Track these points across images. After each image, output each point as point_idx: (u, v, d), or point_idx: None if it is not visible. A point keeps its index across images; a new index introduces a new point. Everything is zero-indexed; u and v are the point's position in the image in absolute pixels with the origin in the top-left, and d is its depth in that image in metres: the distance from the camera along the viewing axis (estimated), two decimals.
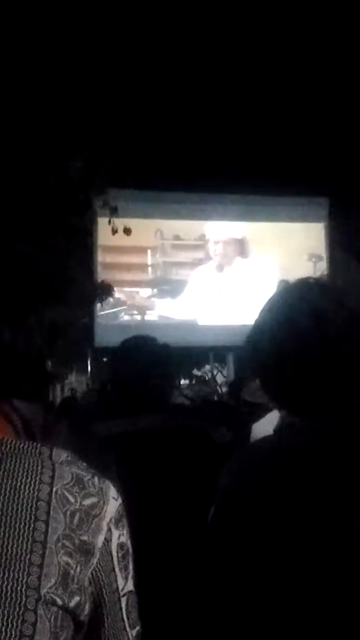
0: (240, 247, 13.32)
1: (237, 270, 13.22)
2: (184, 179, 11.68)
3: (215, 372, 19.33)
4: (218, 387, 16.20)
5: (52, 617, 0.99)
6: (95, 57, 7.95)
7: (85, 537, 1.05)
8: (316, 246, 13.68)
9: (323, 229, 13.85)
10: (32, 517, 1.02)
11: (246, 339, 1.53)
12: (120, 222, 9.06)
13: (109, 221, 8.99)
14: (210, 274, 13.17)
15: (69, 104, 7.82)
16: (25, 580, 0.99)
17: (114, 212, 8.88)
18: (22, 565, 0.99)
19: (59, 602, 1.00)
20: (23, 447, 1.10)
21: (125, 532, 1.12)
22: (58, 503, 1.05)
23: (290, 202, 13.42)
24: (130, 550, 1.13)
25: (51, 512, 1.04)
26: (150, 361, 2.55)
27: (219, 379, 18.54)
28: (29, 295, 1.18)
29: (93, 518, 1.07)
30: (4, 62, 6.97)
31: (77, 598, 1.02)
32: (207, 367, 19.73)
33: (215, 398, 11.20)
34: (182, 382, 18.03)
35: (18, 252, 1.21)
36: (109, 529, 1.08)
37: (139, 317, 13.05)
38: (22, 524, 1.02)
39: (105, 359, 14.29)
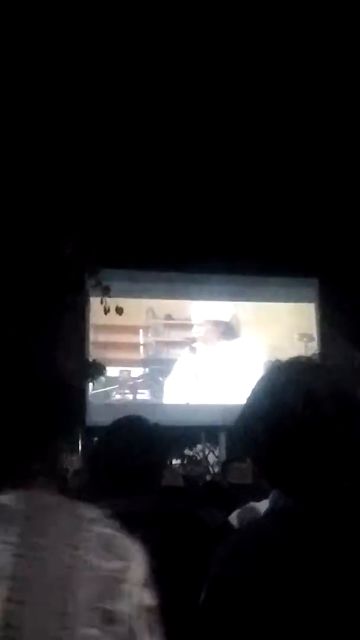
0: (225, 328, 13.37)
1: (227, 349, 13.25)
2: (175, 259, 11.83)
3: (207, 452, 19.10)
4: (210, 467, 16.01)
5: None
6: (88, 141, 8.16)
7: (109, 605, 1.02)
8: (307, 326, 13.77)
9: (314, 308, 13.95)
10: (60, 586, 1.00)
11: (237, 418, 1.52)
12: (112, 302, 9.11)
13: (101, 300, 9.03)
14: (201, 354, 13.19)
15: (63, 186, 7.96)
16: None
17: (106, 291, 8.94)
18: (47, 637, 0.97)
19: None
20: (54, 501, 1.07)
21: (150, 594, 1.09)
22: (83, 568, 1.02)
23: (281, 283, 13.56)
24: (157, 611, 1.10)
25: (75, 580, 1.01)
26: (141, 441, 2.52)
27: (211, 459, 18.31)
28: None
29: (118, 583, 1.03)
30: None
31: None
32: (199, 446, 19.50)
33: (208, 478, 11.05)
34: (174, 462, 17.79)
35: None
36: (134, 593, 1.05)
37: (130, 397, 13.00)
38: (50, 592, 0.99)
39: (96, 439, 14.14)
